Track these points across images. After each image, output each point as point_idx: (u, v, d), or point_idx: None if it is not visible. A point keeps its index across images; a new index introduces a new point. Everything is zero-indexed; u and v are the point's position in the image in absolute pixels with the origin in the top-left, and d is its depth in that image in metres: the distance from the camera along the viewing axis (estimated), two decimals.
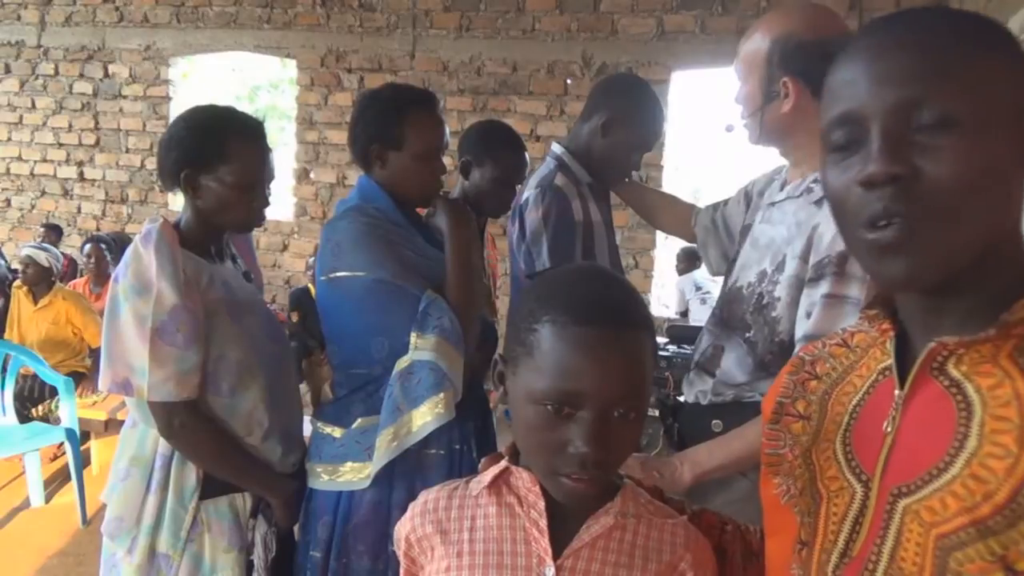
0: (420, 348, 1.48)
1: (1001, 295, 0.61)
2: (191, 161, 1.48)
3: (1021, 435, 0.58)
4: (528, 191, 1.86)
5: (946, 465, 0.61)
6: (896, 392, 0.67)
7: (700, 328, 1.64)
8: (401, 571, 0.92)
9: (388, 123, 1.60)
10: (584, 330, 0.75)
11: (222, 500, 1.51)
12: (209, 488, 1.49)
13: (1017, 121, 0.60)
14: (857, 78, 0.63)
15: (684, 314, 5.30)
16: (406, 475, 1.51)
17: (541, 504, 0.82)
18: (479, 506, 0.85)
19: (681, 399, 1.63)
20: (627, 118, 1.86)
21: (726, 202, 1.80)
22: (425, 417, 1.45)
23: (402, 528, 0.90)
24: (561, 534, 0.81)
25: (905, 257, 0.61)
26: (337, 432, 1.58)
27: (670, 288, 6.15)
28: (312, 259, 5.39)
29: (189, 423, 1.42)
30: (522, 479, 0.84)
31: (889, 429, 0.66)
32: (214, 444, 1.47)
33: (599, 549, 0.80)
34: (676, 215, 1.97)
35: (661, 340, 4.57)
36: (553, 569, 0.79)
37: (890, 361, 0.69)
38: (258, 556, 1.52)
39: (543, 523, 0.81)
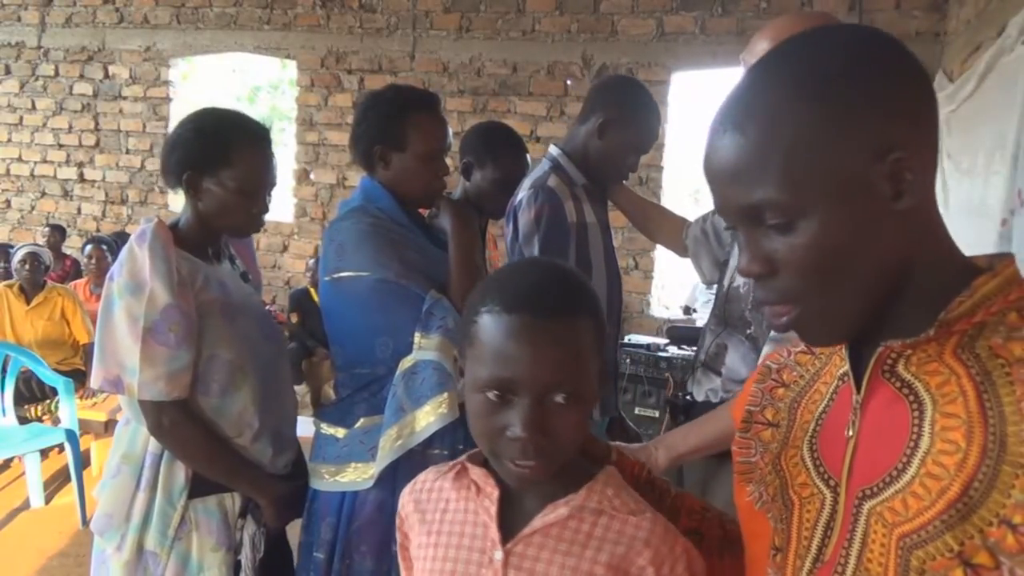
0: (424, 348, 1.48)
1: (939, 296, 0.62)
2: (195, 163, 1.48)
3: (968, 430, 0.59)
4: (522, 192, 1.87)
5: (904, 466, 0.62)
6: (854, 397, 0.68)
7: (699, 329, 1.67)
8: (397, 545, 0.96)
9: (392, 124, 1.60)
10: (514, 317, 0.77)
11: (211, 499, 1.51)
12: (198, 487, 1.49)
13: (868, 169, 0.59)
14: (711, 174, 0.65)
15: (688, 311, 5.28)
16: (410, 475, 1.50)
17: (495, 493, 0.84)
18: (454, 490, 0.89)
19: (689, 398, 1.65)
20: (624, 120, 1.86)
21: (714, 211, 1.83)
22: (428, 417, 1.45)
23: (399, 504, 0.96)
24: (519, 521, 0.83)
25: (807, 334, 0.66)
26: (340, 433, 1.58)
27: (671, 288, 6.14)
28: (312, 260, 5.38)
29: (178, 422, 1.43)
30: (476, 473, 0.87)
31: (851, 433, 0.68)
32: (203, 443, 1.47)
33: (551, 537, 0.82)
34: (668, 227, 2.02)
35: (661, 341, 4.57)
36: (502, 553, 0.81)
37: (846, 367, 0.71)
38: (245, 556, 1.53)
39: (493, 510, 0.83)
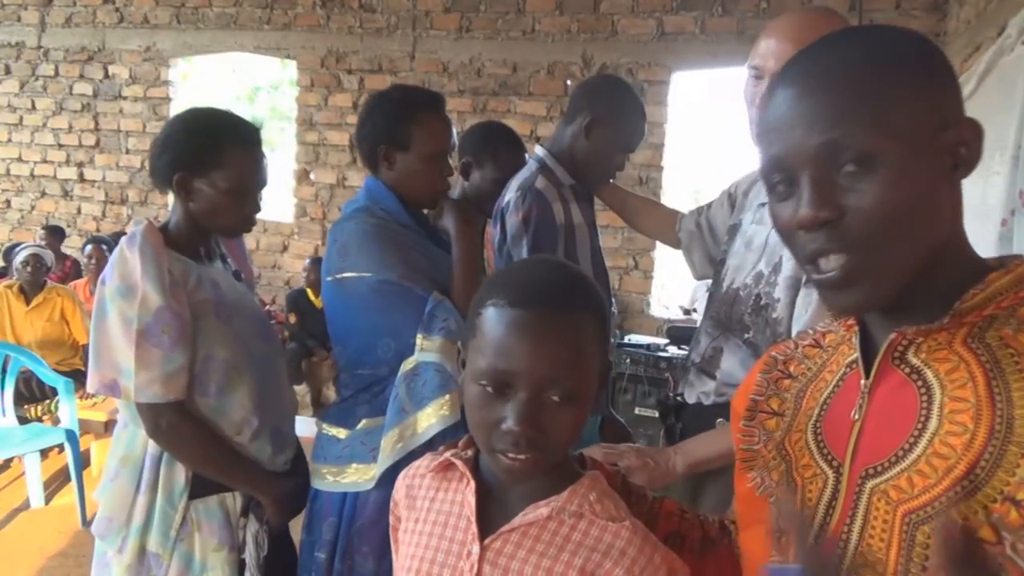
0: (426, 350, 1.49)
1: (952, 288, 0.65)
2: (185, 164, 1.48)
3: (977, 412, 0.62)
4: (509, 194, 1.86)
5: (910, 446, 0.65)
6: (862, 382, 0.71)
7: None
8: (390, 527, 0.99)
9: (396, 124, 1.61)
10: (518, 311, 0.78)
11: (212, 499, 1.51)
12: (198, 487, 1.49)
13: (935, 135, 0.64)
14: (781, 122, 0.66)
15: (688, 312, 5.28)
16: None
17: (473, 485, 0.85)
18: (444, 479, 0.90)
19: (680, 400, 1.63)
20: (610, 120, 1.86)
21: (709, 205, 1.81)
22: (430, 419, 1.45)
23: (394, 488, 0.98)
24: (501, 517, 0.84)
25: (850, 291, 0.66)
26: (342, 433, 1.58)
27: (671, 288, 6.14)
28: (309, 261, 5.38)
29: (176, 424, 1.43)
30: (460, 465, 0.88)
31: (857, 416, 0.71)
32: (201, 444, 1.47)
33: (529, 537, 0.82)
34: (659, 220, 1.99)
35: (661, 341, 4.56)
36: (479, 548, 0.82)
37: (856, 354, 0.73)
38: (250, 555, 1.52)
39: (473, 505, 0.85)
